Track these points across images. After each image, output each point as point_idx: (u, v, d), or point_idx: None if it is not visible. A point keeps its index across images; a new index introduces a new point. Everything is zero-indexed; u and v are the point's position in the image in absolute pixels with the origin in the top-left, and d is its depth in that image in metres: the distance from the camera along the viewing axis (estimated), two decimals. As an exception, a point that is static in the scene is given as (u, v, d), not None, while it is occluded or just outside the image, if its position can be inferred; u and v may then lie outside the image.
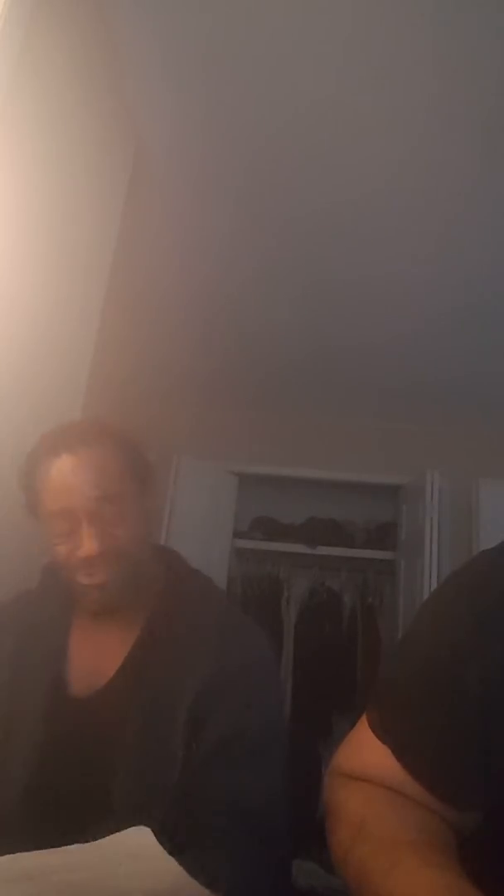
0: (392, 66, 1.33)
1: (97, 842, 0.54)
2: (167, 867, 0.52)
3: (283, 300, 2.38)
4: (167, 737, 0.75)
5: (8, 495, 1.13)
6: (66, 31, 1.15)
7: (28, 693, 0.80)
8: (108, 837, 0.54)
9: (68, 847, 0.54)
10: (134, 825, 0.61)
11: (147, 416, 3.30)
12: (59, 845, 0.56)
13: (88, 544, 0.78)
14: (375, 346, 2.70)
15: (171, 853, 0.57)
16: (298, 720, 3.08)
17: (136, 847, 0.54)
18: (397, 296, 2.27)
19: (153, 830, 0.58)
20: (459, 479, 3.20)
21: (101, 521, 0.79)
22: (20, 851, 0.55)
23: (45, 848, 0.57)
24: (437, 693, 0.57)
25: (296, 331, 2.63)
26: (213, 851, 0.67)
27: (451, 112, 1.42)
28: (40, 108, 1.09)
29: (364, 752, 0.60)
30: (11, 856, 0.53)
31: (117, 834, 0.55)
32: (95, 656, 0.84)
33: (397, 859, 0.47)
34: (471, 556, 0.66)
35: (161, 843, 0.57)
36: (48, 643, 0.85)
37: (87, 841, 0.58)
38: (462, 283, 2.13)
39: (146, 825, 0.63)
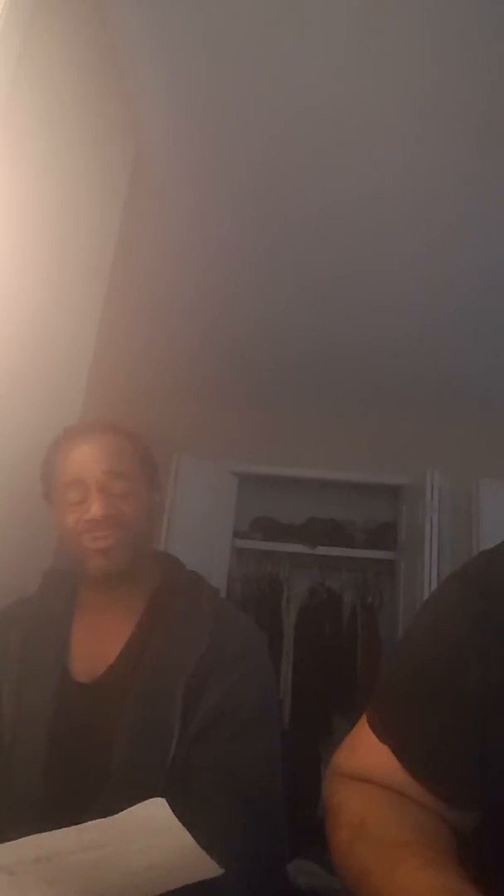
0: (392, 65, 1.33)
1: (113, 817, 0.55)
2: (179, 841, 0.53)
3: (284, 300, 2.38)
4: (164, 714, 0.79)
5: (8, 495, 1.13)
6: (66, 31, 1.15)
7: (38, 682, 0.85)
8: (123, 812, 0.55)
9: (84, 825, 0.55)
10: (131, 798, 0.63)
11: (147, 416, 3.31)
12: (73, 821, 0.58)
13: (96, 507, 0.85)
14: (375, 345, 2.70)
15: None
16: (298, 720, 3.09)
17: (151, 821, 0.54)
18: (397, 296, 2.27)
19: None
20: (459, 479, 3.20)
21: (108, 492, 0.87)
22: (39, 826, 0.57)
23: (62, 823, 0.59)
24: (437, 693, 0.57)
25: (296, 331, 2.63)
26: (205, 818, 0.69)
27: (452, 111, 1.42)
28: (40, 107, 1.09)
29: (364, 752, 0.60)
30: (28, 837, 0.53)
31: (133, 808, 0.55)
32: (97, 645, 0.88)
33: (397, 859, 0.47)
34: (471, 556, 0.66)
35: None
36: (53, 636, 0.90)
37: (97, 815, 0.59)
38: (462, 283, 2.13)
39: (142, 797, 0.65)
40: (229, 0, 1.24)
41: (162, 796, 0.69)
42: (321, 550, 3.43)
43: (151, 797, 0.69)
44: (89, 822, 0.55)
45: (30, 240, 1.10)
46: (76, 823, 0.67)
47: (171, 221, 1.95)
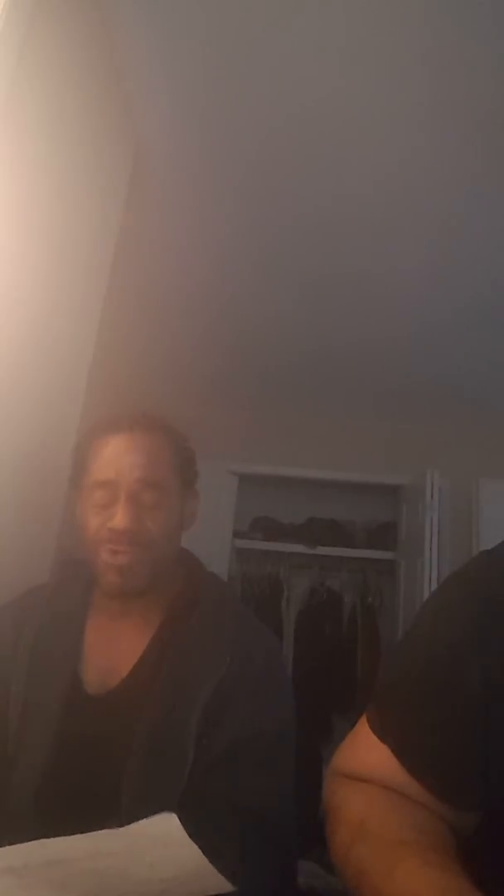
0: (391, 64, 1.33)
1: (124, 828, 0.54)
2: (190, 855, 0.52)
3: (283, 300, 2.38)
4: (179, 739, 0.75)
5: (8, 495, 1.13)
6: (66, 31, 1.15)
7: (45, 688, 0.80)
8: (134, 824, 0.54)
9: (95, 833, 0.54)
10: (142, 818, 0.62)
11: (147, 416, 3.30)
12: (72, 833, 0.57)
13: (121, 517, 0.80)
14: (375, 345, 2.70)
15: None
16: (298, 720, 3.08)
17: (162, 834, 0.54)
18: (397, 296, 2.27)
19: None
20: (459, 479, 3.20)
21: (138, 503, 0.82)
22: (39, 836, 0.56)
23: (62, 835, 0.57)
24: (437, 693, 0.57)
25: (296, 331, 2.63)
26: (224, 853, 0.68)
27: (451, 110, 1.42)
28: (40, 107, 1.08)
29: (364, 752, 0.60)
30: (39, 841, 0.53)
31: (144, 820, 0.55)
32: (111, 654, 0.84)
33: (397, 859, 0.47)
34: (471, 556, 0.66)
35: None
36: (65, 639, 0.85)
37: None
38: (462, 283, 2.13)
39: None
40: (229, 1, 1.24)
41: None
42: (321, 550, 3.43)
43: None
44: (100, 831, 0.54)
45: (30, 240, 1.10)
46: None
47: (171, 221, 1.95)
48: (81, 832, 0.60)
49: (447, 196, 1.71)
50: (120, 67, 1.39)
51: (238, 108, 1.49)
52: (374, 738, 0.59)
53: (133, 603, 0.86)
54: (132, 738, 0.75)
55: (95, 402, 1.48)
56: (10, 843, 0.55)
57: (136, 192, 1.63)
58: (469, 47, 1.27)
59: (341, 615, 3.44)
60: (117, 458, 0.84)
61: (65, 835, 0.59)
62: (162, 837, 0.54)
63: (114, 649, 0.84)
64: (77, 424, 1.39)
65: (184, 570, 0.93)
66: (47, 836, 0.59)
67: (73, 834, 0.58)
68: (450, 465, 3.18)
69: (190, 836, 0.63)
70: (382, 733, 0.58)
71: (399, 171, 1.64)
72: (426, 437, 3.41)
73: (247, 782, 0.74)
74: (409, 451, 3.39)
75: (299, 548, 3.46)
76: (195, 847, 0.52)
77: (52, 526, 1.32)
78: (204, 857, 0.52)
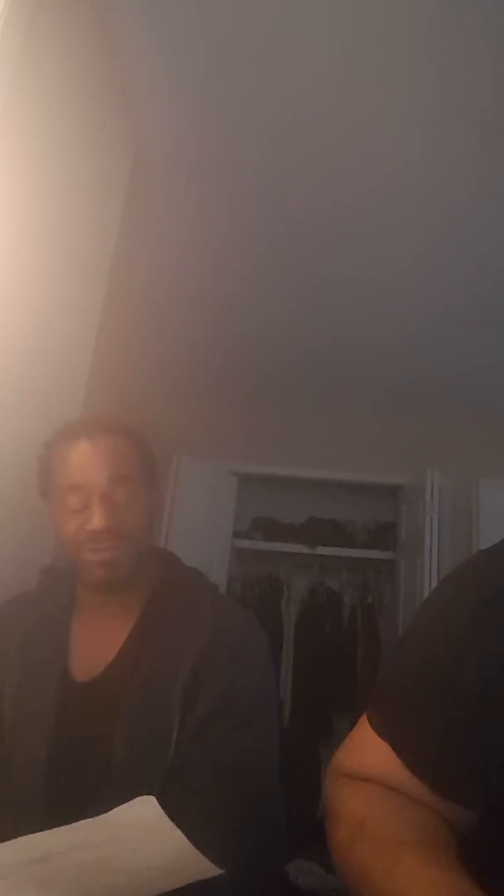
0: (391, 64, 1.33)
1: (103, 816, 0.54)
2: (173, 839, 0.52)
3: (283, 300, 2.38)
4: (163, 714, 0.78)
5: (8, 495, 1.13)
6: (66, 31, 1.15)
7: (37, 683, 0.84)
8: (113, 811, 0.54)
9: (76, 825, 0.54)
10: (129, 790, 0.63)
11: (147, 416, 3.30)
12: (73, 821, 0.58)
13: (98, 518, 0.83)
14: (375, 345, 2.70)
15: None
16: (298, 720, 3.08)
17: (142, 820, 0.54)
18: (397, 295, 2.27)
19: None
20: (459, 479, 3.20)
21: (111, 501, 0.85)
22: (39, 826, 0.56)
23: (62, 823, 0.59)
24: (437, 691, 0.57)
25: (296, 331, 2.64)
26: (209, 821, 0.69)
27: (451, 110, 1.42)
28: (40, 108, 1.09)
29: (364, 751, 0.60)
30: (18, 839, 0.53)
31: (122, 807, 0.54)
32: (95, 644, 0.88)
33: (398, 858, 0.47)
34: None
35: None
36: (53, 636, 0.89)
37: (95, 814, 0.59)
38: (462, 283, 2.13)
39: (142, 792, 0.64)
40: (229, 1, 1.24)
41: (161, 795, 0.69)
42: (321, 550, 3.43)
43: (151, 787, 0.69)
44: (79, 822, 0.54)
45: (30, 240, 1.10)
46: (78, 815, 0.67)
47: (171, 221, 1.95)
48: (82, 803, 0.62)
49: (447, 196, 1.71)
50: (120, 67, 1.39)
51: (238, 109, 1.49)
52: (374, 737, 0.59)
53: (115, 596, 0.90)
54: (119, 717, 0.78)
55: (95, 402, 1.48)
56: (11, 834, 0.55)
57: (136, 192, 1.63)
58: (469, 48, 1.27)
59: (341, 615, 3.44)
60: (83, 462, 0.86)
61: (66, 821, 0.60)
62: (142, 823, 0.54)
63: (98, 638, 0.88)
64: (77, 424, 1.39)
65: (162, 565, 0.98)
66: (48, 825, 0.60)
67: (74, 820, 0.59)
68: (450, 465, 3.18)
69: (176, 807, 0.63)
70: (382, 732, 0.58)
71: (399, 170, 1.64)
72: (426, 437, 3.41)
73: (228, 746, 0.77)
74: (409, 451, 3.39)
75: (299, 548, 3.46)
76: (177, 831, 0.52)
77: (51, 526, 1.32)
78: (188, 841, 0.51)
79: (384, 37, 1.27)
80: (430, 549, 2.78)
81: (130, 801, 0.55)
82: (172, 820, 0.55)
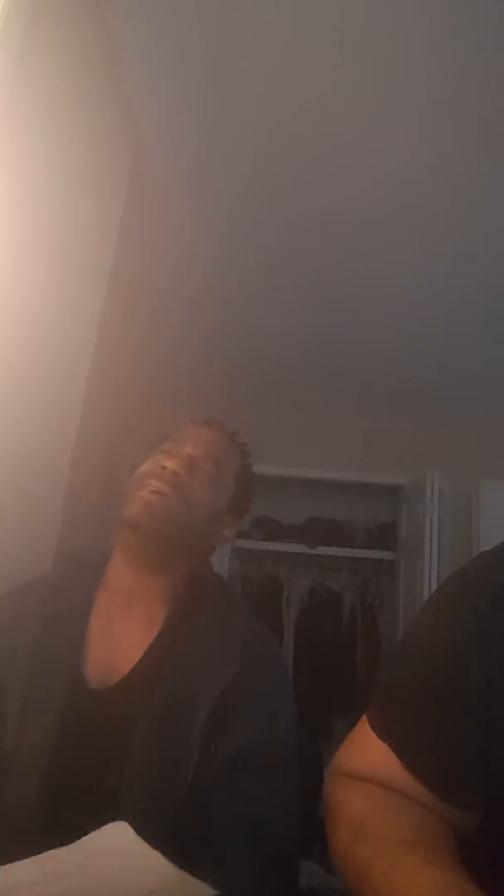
0: (391, 64, 1.33)
1: (79, 842, 0.52)
2: (155, 863, 0.51)
3: (283, 300, 2.38)
4: (181, 742, 0.73)
5: (9, 495, 1.13)
6: (66, 32, 1.15)
7: (46, 683, 0.78)
8: (83, 839, 0.52)
9: (50, 853, 0.51)
10: (137, 826, 0.59)
11: (147, 416, 3.30)
12: (72, 839, 0.54)
13: (175, 462, 0.86)
14: (375, 345, 2.70)
15: (178, 864, 0.55)
16: (298, 720, 3.08)
17: (120, 843, 0.52)
18: (397, 295, 2.27)
19: (146, 835, 0.56)
20: (459, 479, 3.20)
21: (195, 464, 0.88)
22: (38, 842, 0.53)
23: (61, 840, 0.55)
24: (438, 692, 0.57)
25: (296, 330, 2.63)
26: (225, 865, 0.67)
27: (450, 109, 1.43)
28: (40, 108, 1.09)
29: (365, 751, 0.60)
30: None
31: (96, 832, 0.52)
32: (113, 649, 0.82)
33: (398, 858, 0.47)
34: (471, 557, 0.66)
35: (146, 840, 0.55)
36: (67, 633, 0.83)
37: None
38: (462, 283, 2.13)
39: (151, 829, 0.62)
40: (228, 1, 1.24)
41: (172, 826, 0.66)
42: (321, 550, 3.43)
43: (162, 826, 0.66)
44: (50, 851, 0.50)
45: (30, 240, 1.10)
46: (76, 839, 0.61)
47: (171, 221, 1.95)
48: (82, 828, 0.58)
49: (447, 195, 1.71)
50: (120, 67, 1.39)
51: (238, 109, 1.49)
52: (374, 738, 0.59)
53: (141, 583, 0.86)
54: (134, 737, 0.73)
55: (95, 402, 1.48)
56: (9, 848, 0.53)
57: (136, 192, 1.63)
58: (468, 47, 1.27)
59: (341, 615, 3.43)
60: (197, 435, 0.92)
61: (65, 839, 0.57)
62: (118, 848, 0.51)
63: (116, 644, 0.83)
64: (77, 424, 1.39)
65: (193, 571, 0.92)
66: (49, 831, 0.57)
67: (75, 831, 0.56)
68: (450, 465, 3.18)
69: (189, 849, 0.61)
70: (383, 733, 0.58)
71: (398, 170, 1.64)
72: (426, 437, 3.41)
73: (250, 795, 0.73)
74: (409, 451, 3.38)
75: (299, 548, 3.45)
76: (156, 854, 0.50)
77: (52, 525, 1.32)
78: (168, 862, 0.50)
79: (383, 37, 1.27)
80: (430, 549, 2.78)
81: (102, 828, 0.52)
82: (186, 859, 0.52)
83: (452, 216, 1.79)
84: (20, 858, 0.59)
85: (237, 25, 1.28)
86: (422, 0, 1.19)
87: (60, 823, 0.64)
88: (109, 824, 0.52)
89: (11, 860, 0.58)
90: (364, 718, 0.62)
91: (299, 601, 3.49)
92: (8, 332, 1.06)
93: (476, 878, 0.44)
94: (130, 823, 0.59)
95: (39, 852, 0.59)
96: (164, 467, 0.86)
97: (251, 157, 1.64)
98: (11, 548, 1.14)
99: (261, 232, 1.96)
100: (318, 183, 1.72)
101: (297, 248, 2.03)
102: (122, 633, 0.84)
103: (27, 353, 1.14)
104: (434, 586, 2.65)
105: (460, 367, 2.81)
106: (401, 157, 1.59)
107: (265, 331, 2.66)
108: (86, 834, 0.56)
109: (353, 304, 2.36)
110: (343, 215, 1.84)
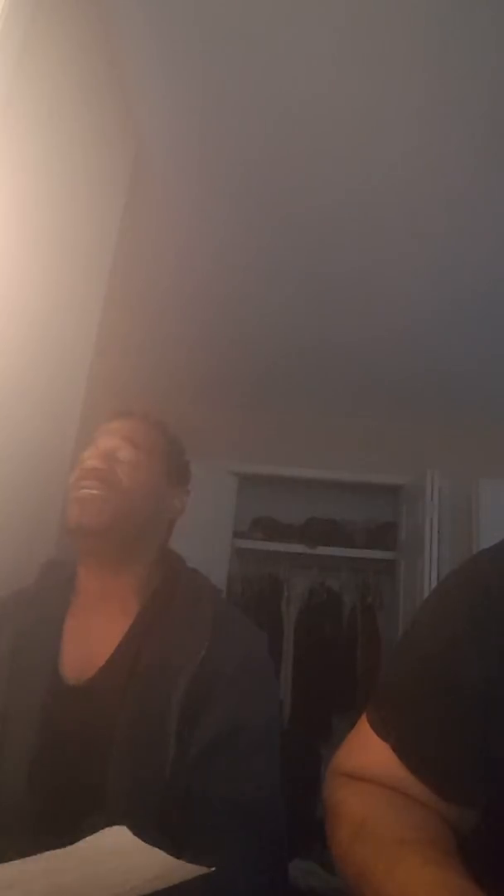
0: (391, 63, 1.33)
1: (76, 845, 0.52)
2: (153, 858, 0.51)
3: (283, 299, 2.39)
4: (159, 730, 0.74)
5: (9, 495, 1.13)
6: (66, 32, 1.15)
7: (26, 683, 0.80)
8: (85, 840, 0.52)
9: (48, 853, 0.51)
10: (125, 818, 0.60)
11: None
12: (62, 832, 0.55)
13: (91, 459, 0.89)
14: (375, 345, 2.70)
15: (162, 848, 0.56)
16: (298, 720, 3.08)
17: (118, 845, 0.52)
18: (397, 295, 2.27)
19: (135, 826, 0.57)
20: (459, 479, 3.20)
21: (112, 454, 0.90)
22: (27, 838, 0.54)
23: (50, 834, 0.56)
24: (437, 690, 0.57)
25: (296, 330, 2.64)
26: (212, 849, 0.67)
27: (450, 108, 1.43)
28: (40, 108, 1.09)
29: (364, 751, 0.60)
30: None
31: (95, 835, 0.53)
32: (88, 643, 0.84)
33: (398, 858, 0.47)
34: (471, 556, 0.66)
35: (142, 838, 0.56)
36: (46, 633, 0.86)
37: (91, 830, 0.56)
38: (462, 282, 2.13)
39: (139, 819, 0.62)
40: (228, 2, 1.24)
41: (158, 813, 0.67)
42: (321, 550, 3.43)
43: (149, 813, 0.67)
44: (49, 852, 0.51)
45: (30, 240, 1.10)
46: (66, 835, 0.62)
47: (171, 221, 1.95)
48: (72, 831, 0.59)
49: (447, 195, 1.71)
50: (120, 67, 1.39)
51: (238, 109, 1.49)
52: (374, 737, 0.59)
53: (110, 582, 0.88)
54: (112, 728, 0.74)
55: (95, 402, 1.48)
56: (13, 839, 0.53)
57: (136, 192, 1.63)
58: (468, 46, 1.27)
59: (341, 615, 3.44)
60: (111, 429, 0.94)
61: (54, 833, 0.57)
62: (118, 848, 0.52)
63: (91, 637, 0.84)
64: (77, 424, 1.39)
65: (165, 564, 0.94)
66: (36, 836, 0.57)
67: (63, 832, 0.57)
68: (450, 465, 3.18)
69: (175, 835, 0.61)
70: (382, 732, 0.58)
71: (398, 170, 1.64)
72: (426, 437, 3.41)
73: (231, 778, 0.74)
74: (409, 451, 3.38)
75: (299, 548, 3.45)
76: (155, 851, 0.50)
77: (51, 525, 1.32)
78: (167, 856, 0.50)
79: (382, 37, 1.27)
80: (430, 549, 2.78)
81: (101, 832, 0.52)
82: (174, 845, 0.53)
83: (452, 216, 1.79)
84: (11, 853, 0.59)
85: (237, 25, 1.28)
86: (421, 2, 1.19)
87: (48, 818, 0.65)
88: (109, 829, 0.52)
89: (2, 855, 0.58)
90: (363, 718, 0.62)
91: (299, 601, 3.49)
92: (8, 332, 1.06)
93: (476, 877, 0.44)
94: (116, 816, 0.59)
95: (30, 847, 0.59)
96: (83, 467, 0.89)
97: (251, 157, 1.64)
98: (11, 548, 1.14)
99: (260, 232, 1.96)
100: (318, 183, 1.72)
101: (296, 248, 2.03)
102: (96, 630, 0.86)
103: (27, 353, 1.14)
104: (434, 586, 2.65)
105: (460, 367, 2.81)
106: (400, 158, 1.59)
107: (265, 330, 2.66)
108: (74, 829, 0.57)
109: (353, 303, 2.36)
110: (343, 215, 1.84)
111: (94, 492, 0.85)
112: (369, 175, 1.66)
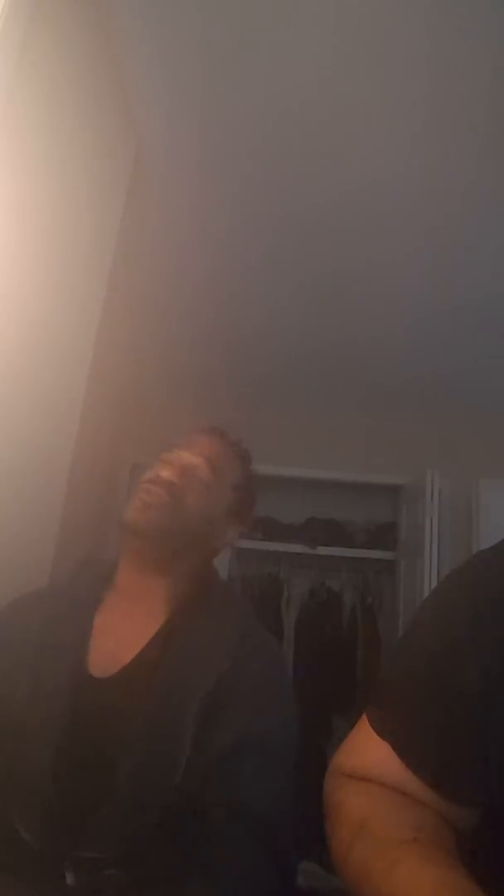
0: (390, 65, 1.33)
1: None
2: None
3: (283, 300, 2.38)
4: (176, 732, 0.76)
5: (8, 495, 1.13)
6: (66, 32, 1.15)
7: (52, 672, 0.82)
8: None
9: None
10: (130, 813, 0.65)
11: (147, 416, 3.30)
12: (76, 821, 0.61)
13: (169, 469, 0.91)
14: (375, 345, 2.70)
15: (156, 848, 0.59)
16: (298, 720, 3.08)
17: None
18: (397, 295, 2.27)
19: (138, 822, 0.64)
20: (459, 479, 3.20)
21: (190, 471, 0.92)
22: (44, 827, 0.57)
23: (66, 820, 0.62)
24: (437, 690, 0.57)
25: (295, 330, 2.64)
26: (223, 856, 0.69)
27: (449, 108, 1.42)
28: (40, 109, 1.09)
29: (364, 751, 0.60)
30: None
31: None
32: (117, 641, 0.86)
33: (398, 858, 0.47)
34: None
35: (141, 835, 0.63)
36: (75, 624, 0.88)
37: (102, 821, 0.64)
38: (462, 282, 2.13)
39: (143, 816, 0.68)
40: (228, 1, 1.24)
41: (162, 812, 0.70)
42: (321, 550, 3.43)
43: (153, 811, 0.70)
44: None
45: (30, 240, 1.10)
46: (79, 824, 0.69)
47: (171, 221, 1.95)
48: (85, 820, 0.66)
49: (447, 195, 1.71)
50: (120, 67, 1.39)
51: (238, 109, 1.49)
52: (374, 737, 0.59)
53: (145, 584, 0.90)
54: (130, 725, 0.77)
55: (95, 402, 1.48)
56: (19, 825, 0.54)
57: (136, 192, 1.63)
58: (468, 48, 1.27)
59: (341, 615, 3.44)
60: (196, 443, 0.96)
61: (69, 819, 0.64)
62: None
63: (120, 637, 0.87)
64: (77, 424, 1.39)
65: (201, 578, 0.96)
66: (53, 820, 0.64)
67: (77, 820, 0.63)
68: (450, 465, 3.18)
69: (184, 839, 0.63)
70: (383, 731, 0.58)
71: (398, 170, 1.64)
72: (426, 437, 3.41)
73: (246, 788, 0.75)
74: (409, 451, 3.38)
75: (299, 548, 3.45)
76: None
77: (52, 527, 1.32)
78: None
79: (382, 37, 1.27)
80: (430, 549, 2.78)
81: None
82: (187, 859, 0.55)
83: (452, 216, 1.79)
84: (32, 830, 0.68)
85: (237, 26, 1.28)
86: (421, 0, 1.19)
87: (66, 805, 0.69)
88: None
89: (26, 828, 0.66)
90: (363, 718, 0.62)
91: (299, 601, 3.49)
92: (8, 332, 1.06)
93: (476, 876, 0.44)
94: (121, 810, 0.65)
95: (48, 826, 0.67)
96: (159, 475, 0.90)
97: (251, 156, 1.64)
98: (11, 548, 1.14)
99: (261, 232, 1.96)
100: (318, 183, 1.72)
101: (297, 248, 2.03)
102: (125, 628, 0.88)
103: (27, 353, 1.14)
104: (434, 586, 2.65)
105: (460, 366, 2.81)
106: (401, 157, 1.59)
107: (265, 330, 2.66)
108: (90, 813, 0.63)
109: (354, 303, 2.36)
110: (343, 215, 1.84)
111: (157, 500, 0.89)
112: (370, 175, 1.66)
